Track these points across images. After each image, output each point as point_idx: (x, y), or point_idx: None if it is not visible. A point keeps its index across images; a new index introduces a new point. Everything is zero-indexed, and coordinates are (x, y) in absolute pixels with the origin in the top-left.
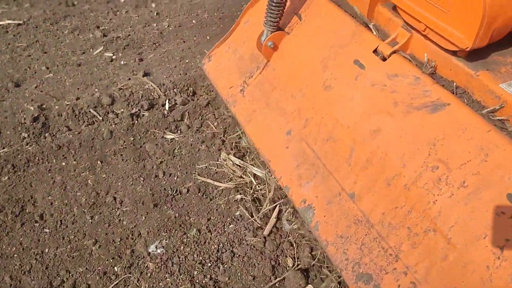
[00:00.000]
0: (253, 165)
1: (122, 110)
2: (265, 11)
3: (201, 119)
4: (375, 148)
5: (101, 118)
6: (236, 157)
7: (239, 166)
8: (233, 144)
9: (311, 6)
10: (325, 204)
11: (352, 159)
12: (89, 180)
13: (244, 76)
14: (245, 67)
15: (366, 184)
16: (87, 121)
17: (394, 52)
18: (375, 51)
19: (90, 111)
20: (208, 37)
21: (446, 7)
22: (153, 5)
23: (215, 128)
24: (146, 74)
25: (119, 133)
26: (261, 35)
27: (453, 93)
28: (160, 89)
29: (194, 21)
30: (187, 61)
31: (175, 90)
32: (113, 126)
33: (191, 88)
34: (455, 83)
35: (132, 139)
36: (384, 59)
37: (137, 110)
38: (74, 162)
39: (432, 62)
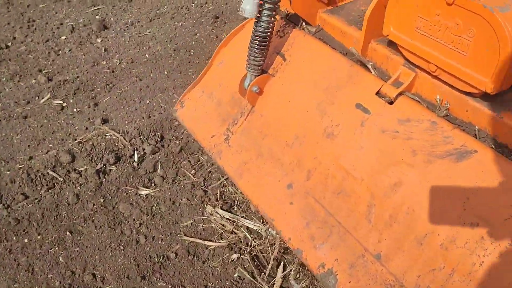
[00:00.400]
0: (244, 218)
1: (85, 167)
2: (247, 55)
3: (176, 168)
4: (399, 203)
5: (62, 179)
6: (223, 209)
7: (229, 219)
8: (217, 194)
9: (295, 44)
10: (348, 267)
11: (372, 216)
12: (60, 257)
13: (227, 123)
14: (226, 113)
15: (393, 244)
16: (47, 185)
17: (400, 93)
18: (377, 93)
19: (48, 173)
20: (165, 72)
21: (465, 49)
22: (99, 40)
23: (193, 177)
24: (104, 121)
25: (86, 195)
26: (244, 79)
27: (475, 137)
28: (124, 138)
29: (147, 55)
30: (147, 101)
31: (141, 137)
32: (78, 187)
33: (159, 133)
34: (477, 127)
35: (102, 200)
36: (390, 102)
37: (102, 165)
38: (39, 237)
39: (446, 104)
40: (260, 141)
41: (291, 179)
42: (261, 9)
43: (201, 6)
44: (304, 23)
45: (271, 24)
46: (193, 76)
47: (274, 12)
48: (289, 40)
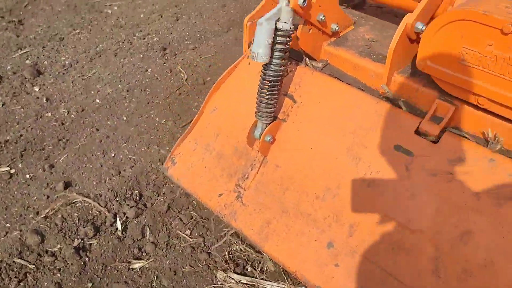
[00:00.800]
0: (265, 279)
1: (59, 246)
2: (257, 102)
3: (167, 230)
4: (472, 255)
5: (34, 267)
6: (237, 273)
7: (247, 284)
8: (225, 255)
9: (303, 83)
10: None
11: (440, 271)
12: None
13: (235, 179)
14: (232, 166)
15: None
16: (16, 277)
17: (443, 130)
18: (416, 131)
19: (14, 262)
20: (124, 117)
21: None
22: (36, 89)
23: (190, 238)
24: (67, 186)
25: (69, 282)
26: (253, 128)
27: None
28: (98, 203)
29: (98, 100)
30: (112, 155)
31: (117, 199)
32: (57, 274)
33: (136, 191)
34: None
35: (90, 285)
36: (435, 141)
37: (80, 241)
38: None
39: (499, 138)
40: (282, 195)
41: (330, 237)
42: (271, 51)
43: (144, 38)
44: (307, 59)
45: (283, 67)
46: (157, 119)
47: (285, 53)
48: (295, 79)
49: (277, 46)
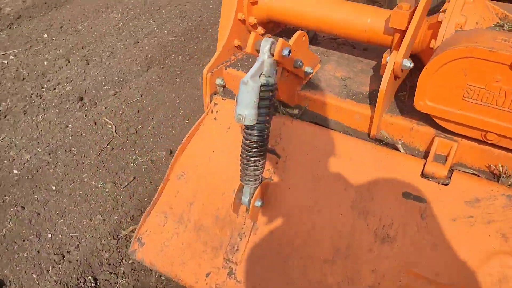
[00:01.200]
0: None
1: None
2: (243, 166)
3: None
4: None
5: None
6: None
7: None
8: None
9: (284, 135)
10: None
11: None
12: None
13: (222, 252)
14: (215, 238)
15: None
16: None
17: (451, 170)
18: (422, 174)
19: None
20: (53, 187)
21: None
22: None
23: None
24: (0, 286)
25: None
26: (239, 194)
27: None
28: None
29: (15, 171)
30: (49, 235)
31: None
32: None
33: (90, 277)
34: None
35: None
36: (445, 183)
37: None
38: None
39: (509, 171)
40: (283, 264)
41: None
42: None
43: (55, 89)
44: (281, 106)
45: (268, 124)
46: (93, 183)
47: (270, 109)
48: (274, 131)
49: (263, 102)
